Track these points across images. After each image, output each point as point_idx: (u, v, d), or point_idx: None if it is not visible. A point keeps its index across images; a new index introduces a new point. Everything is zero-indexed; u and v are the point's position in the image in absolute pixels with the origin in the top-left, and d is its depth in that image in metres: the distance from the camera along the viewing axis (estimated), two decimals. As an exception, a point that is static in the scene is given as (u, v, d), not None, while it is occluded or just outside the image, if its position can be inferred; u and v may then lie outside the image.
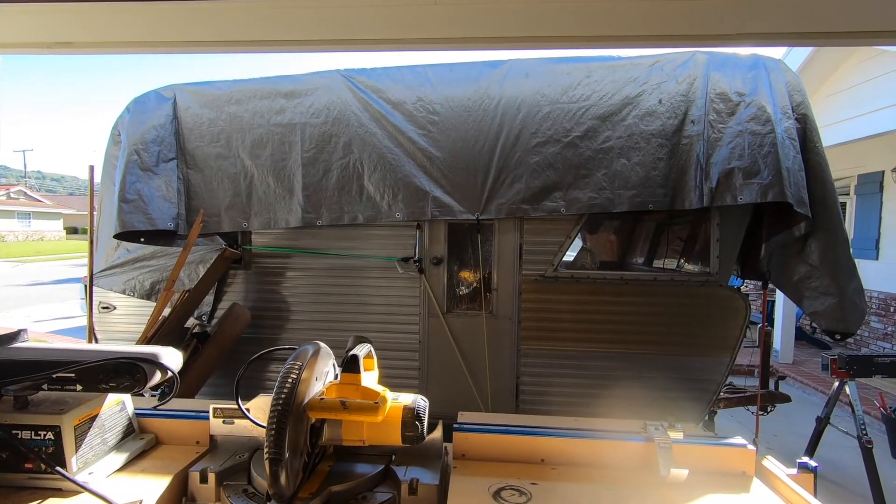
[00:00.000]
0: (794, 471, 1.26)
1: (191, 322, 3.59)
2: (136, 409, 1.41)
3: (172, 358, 1.28)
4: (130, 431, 1.36)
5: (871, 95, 6.11)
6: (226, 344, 3.27)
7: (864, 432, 3.44)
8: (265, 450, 1.04)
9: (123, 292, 3.73)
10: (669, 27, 1.75)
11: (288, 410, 1.08)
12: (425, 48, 1.87)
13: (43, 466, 1.11)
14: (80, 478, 1.14)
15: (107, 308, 3.82)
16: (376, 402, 1.13)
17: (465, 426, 1.37)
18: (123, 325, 3.85)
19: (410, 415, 1.21)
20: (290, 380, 1.11)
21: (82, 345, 1.58)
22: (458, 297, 3.56)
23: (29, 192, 49.95)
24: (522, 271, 3.42)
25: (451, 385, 3.48)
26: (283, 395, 1.09)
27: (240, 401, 1.32)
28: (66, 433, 1.15)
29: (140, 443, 1.34)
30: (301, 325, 3.63)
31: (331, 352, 1.34)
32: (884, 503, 3.32)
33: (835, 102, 6.79)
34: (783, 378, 4.58)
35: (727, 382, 4.12)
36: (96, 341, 3.74)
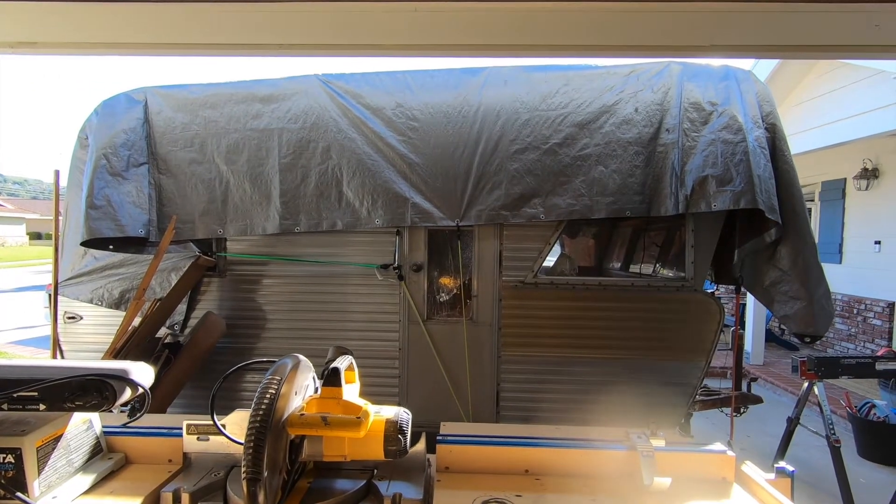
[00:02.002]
0: (772, 476, 1.28)
1: (163, 332, 3.47)
2: (104, 427, 1.34)
3: (143, 373, 1.23)
4: (98, 451, 1.30)
5: (833, 106, 6.37)
6: (199, 355, 3.17)
7: (833, 432, 3.55)
8: (242, 469, 1.00)
9: (91, 301, 3.59)
10: (645, 38, 1.79)
11: (266, 427, 1.04)
12: (406, 55, 1.86)
13: (1, 492, 1.05)
14: (42, 502, 1.08)
15: (73, 318, 3.66)
16: (358, 417, 1.10)
17: (449, 438, 1.35)
18: (91, 335, 3.70)
19: (393, 428, 1.18)
20: (268, 395, 1.08)
21: (46, 361, 1.50)
22: (438, 303, 3.54)
23: (-11, 196, 47.83)
24: (502, 278, 3.43)
25: (432, 393, 3.46)
26: (261, 412, 1.05)
27: (215, 416, 1.27)
28: (27, 456, 1.08)
29: (108, 463, 1.28)
30: (278, 335, 3.55)
31: (311, 365, 1.31)
32: (852, 500, 3.43)
33: (799, 113, 7.06)
34: (755, 380, 4.70)
35: (702, 385, 4.20)
36: (61, 353, 3.59)
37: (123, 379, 1.16)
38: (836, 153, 6.91)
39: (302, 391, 1.25)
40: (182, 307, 3.52)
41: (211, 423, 1.29)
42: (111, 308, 3.57)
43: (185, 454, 1.33)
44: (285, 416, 1.12)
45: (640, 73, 3.39)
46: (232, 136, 3.34)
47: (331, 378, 1.19)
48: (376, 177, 3.30)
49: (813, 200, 8.18)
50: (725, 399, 4.03)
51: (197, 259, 3.25)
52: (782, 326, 8.07)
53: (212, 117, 3.39)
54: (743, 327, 7.34)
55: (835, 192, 7.61)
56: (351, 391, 1.26)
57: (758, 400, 4.18)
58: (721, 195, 3.07)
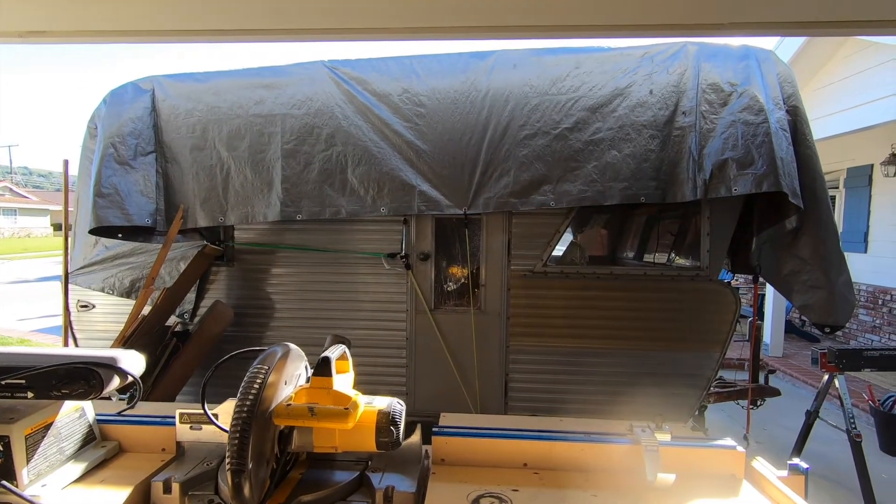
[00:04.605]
0: (784, 472, 1.21)
1: (172, 320, 3.50)
2: (97, 415, 1.33)
3: (133, 362, 1.21)
4: (91, 439, 1.28)
5: (860, 88, 6.10)
6: (207, 343, 3.19)
7: (854, 426, 3.43)
8: (227, 460, 0.97)
9: (102, 290, 3.63)
10: (660, 16, 1.70)
11: (252, 417, 1.01)
12: (426, 38, 1.81)
13: None
14: (31, 490, 1.07)
15: (85, 306, 3.71)
16: (346, 408, 1.06)
17: (445, 430, 1.31)
18: (103, 323, 3.75)
19: (385, 419, 1.15)
20: (255, 385, 1.05)
21: (36, 348, 1.49)
22: (445, 293, 3.50)
23: (15, 188, 49.14)
24: (511, 266, 3.36)
25: (439, 383, 3.43)
26: (247, 402, 1.02)
27: (206, 405, 1.25)
28: (15, 444, 1.07)
29: (101, 451, 1.26)
30: (285, 323, 3.55)
31: (302, 353, 1.28)
32: (872, 497, 3.32)
33: (825, 95, 6.79)
34: (773, 372, 4.57)
35: (717, 377, 4.10)
36: (75, 340, 3.65)
37: (111, 367, 1.14)
38: (863, 138, 6.64)
39: (293, 380, 1.22)
40: (191, 296, 3.54)
41: (204, 412, 1.27)
42: (122, 296, 3.60)
43: (178, 443, 1.31)
44: (273, 405, 1.09)
45: (655, 54, 3.27)
46: (234, 121, 3.32)
47: (321, 368, 1.15)
48: (382, 164, 3.25)
49: (837, 188, 7.90)
50: (742, 391, 3.92)
51: (203, 248, 3.26)
52: (803, 317, 7.85)
53: (214, 103, 3.37)
54: (762, 318, 7.17)
55: (861, 178, 7.33)
56: (343, 381, 1.23)
57: (775, 392, 4.06)
58: (742, 178, 2.94)
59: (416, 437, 1.31)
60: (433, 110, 3.30)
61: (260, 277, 3.57)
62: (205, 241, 3.46)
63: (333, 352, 1.23)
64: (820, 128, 6.59)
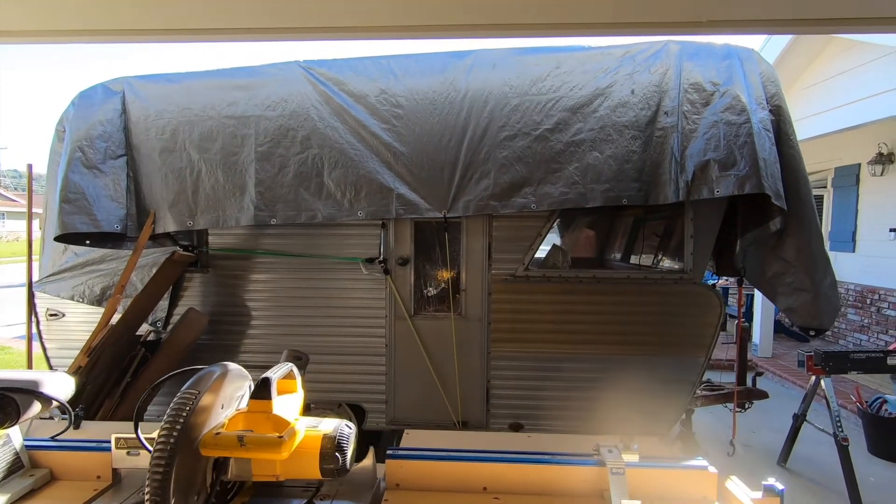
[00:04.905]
0: (758, 494, 1.14)
1: (145, 329, 3.39)
2: (27, 440, 1.24)
3: (57, 385, 1.12)
4: (18, 467, 1.19)
5: (845, 87, 6.09)
6: (178, 352, 3.09)
7: (840, 428, 3.39)
8: (146, 493, 0.89)
9: (72, 298, 3.52)
10: (637, 14, 1.65)
11: (176, 447, 0.93)
12: (426, 36, 1.76)
13: None
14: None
15: (55, 315, 3.59)
16: (281, 437, 0.98)
17: (400, 452, 1.23)
18: (75, 332, 3.62)
19: (331, 445, 1.06)
20: (182, 411, 0.96)
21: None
22: (425, 298, 3.41)
23: (3, 191, 48.49)
24: (492, 271, 3.29)
25: (420, 391, 3.35)
26: (173, 430, 0.94)
27: (140, 430, 1.16)
28: (-79, 477, 0.98)
29: (29, 480, 1.17)
30: (262, 330, 3.46)
31: (245, 373, 1.20)
32: (860, 501, 3.28)
33: (811, 95, 6.77)
34: (761, 374, 4.53)
35: (704, 379, 4.05)
36: (44, 350, 3.53)
37: (29, 392, 1.05)
38: (850, 137, 6.63)
39: (232, 403, 1.13)
40: (164, 303, 3.43)
41: (145, 436, 1.18)
42: (93, 305, 3.49)
43: (114, 470, 1.22)
44: (205, 432, 1.01)
45: (636, 53, 3.21)
46: (206, 123, 3.21)
47: (259, 390, 1.07)
48: (359, 167, 3.16)
49: (825, 187, 7.89)
50: (728, 394, 3.87)
51: (172, 254, 3.15)
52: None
53: (186, 104, 3.27)
54: (751, 319, 7.14)
55: (848, 178, 7.32)
56: (287, 403, 1.14)
57: (763, 395, 4.01)
58: (724, 180, 2.89)
59: (368, 460, 1.24)
60: (411, 111, 3.22)
61: (235, 284, 3.47)
62: (177, 247, 3.35)
63: (277, 371, 1.15)
64: (807, 127, 6.57)
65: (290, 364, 1.21)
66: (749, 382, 4.07)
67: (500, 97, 3.18)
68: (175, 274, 3.26)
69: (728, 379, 4.25)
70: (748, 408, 4.02)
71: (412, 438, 1.42)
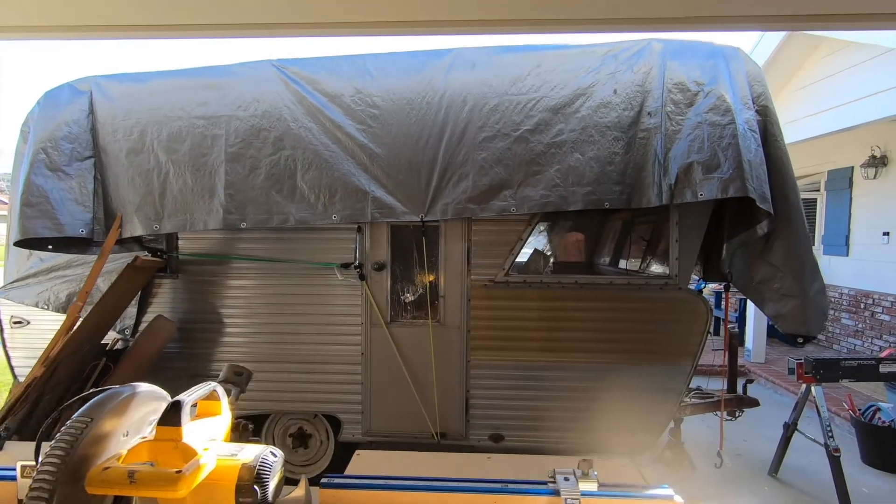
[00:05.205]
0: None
1: (112, 337, 3.27)
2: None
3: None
4: None
5: (838, 89, 6.01)
6: (143, 362, 2.96)
7: (831, 438, 3.28)
8: None
9: (37, 305, 3.40)
10: (617, 10, 1.57)
11: (57, 483, 0.81)
12: (424, 34, 1.71)
13: None
14: None
15: (19, 322, 3.47)
16: (179, 472, 0.86)
17: (335, 481, 1.12)
18: (40, 341, 3.49)
19: (249, 475, 0.95)
20: (68, 442, 0.85)
21: None
22: (402, 305, 3.30)
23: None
24: (471, 276, 3.18)
25: (397, 401, 3.23)
26: (53, 466, 0.82)
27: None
28: None
29: (-80, 514, 1.06)
30: (233, 337, 3.34)
31: (163, 394, 1.08)
32: (852, 514, 3.17)
33: (803, 97, 6.70)
34: (751, 381, 4.42)
35: (694, 387, 3.94)
36: (7, 359, 3.41)
37: None
38: (843, 140, 6.56)
39: (140, 429, 1.02)
40: (132, 310, 3.31)
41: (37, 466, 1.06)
42: (58, 311, 3.37)
43: (19, 501, 1.11)
44: (98, 463, 0.89)
45: (619, 52, 3.12)
46: (174, 123, 3.10)
47: (167, 415, 0.96)
48: (334, 169, 3.05)
49: (818, 190, 7.82)
50: (718, 403, 3.76)
51: (134, 260, 3.03)
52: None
53: (154, 104, 3.16)
54: (744, 323, 7.04)
55: (841, 181, 7.25)
56: (205, 429, 1.03)
57: (754, 403, 3.90)
58: (708, 183, 2.80)
59: (300, 490, 1.12)
60: (387, 112, 3.12)
61: (206, 289, 3.36)
62: (145, 252, 3.24)
63: (194, 392, 1.03)
64: (799, 130, 6.50)
65: (213, 383, 1.10)
66: (740, 389, 3.97)
67: (478, 97, 3.08)
68: (140, 280, 3.14)
69: (720, 385, 4.14)
70: (739, 416, 3.91)
71: (362, 461, 1.31)
